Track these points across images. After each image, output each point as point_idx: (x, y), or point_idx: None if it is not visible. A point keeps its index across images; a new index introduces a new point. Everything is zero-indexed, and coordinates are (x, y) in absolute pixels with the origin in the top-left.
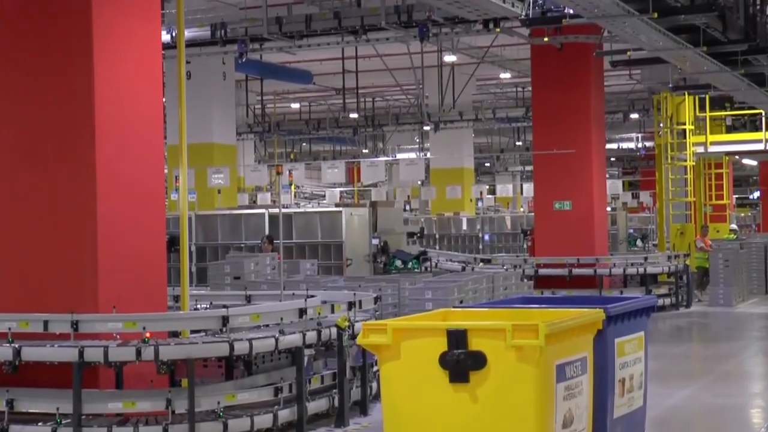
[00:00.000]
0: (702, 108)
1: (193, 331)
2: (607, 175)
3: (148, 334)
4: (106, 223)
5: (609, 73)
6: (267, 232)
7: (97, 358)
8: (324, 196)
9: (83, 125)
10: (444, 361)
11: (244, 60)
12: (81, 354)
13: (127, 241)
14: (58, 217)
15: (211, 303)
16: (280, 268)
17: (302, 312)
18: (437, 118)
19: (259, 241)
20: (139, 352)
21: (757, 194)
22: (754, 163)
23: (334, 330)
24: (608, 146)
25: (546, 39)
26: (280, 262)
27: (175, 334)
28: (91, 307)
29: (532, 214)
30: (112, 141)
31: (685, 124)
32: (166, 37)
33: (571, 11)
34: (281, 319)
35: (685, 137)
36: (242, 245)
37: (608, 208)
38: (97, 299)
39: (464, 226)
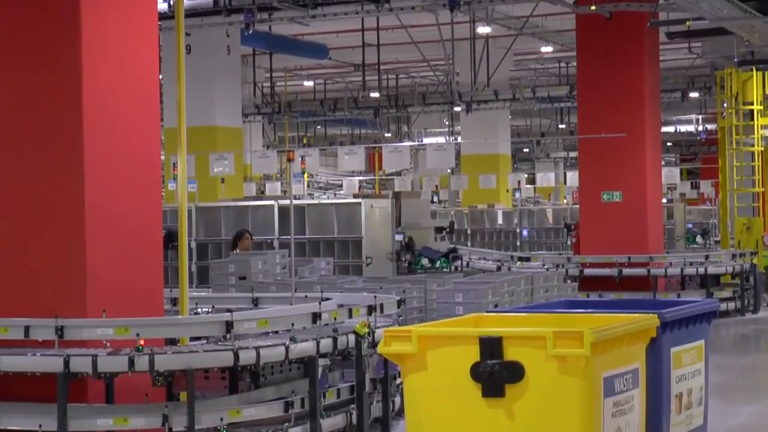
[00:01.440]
0: None
1: (193, 339)
2: (663, 163)
3: (142, 342)
4: (94, 216)
5: (665, 46)
6: (276, 226)
7: (85, 368)
8: (341, 185)
9: (68, 106)
10: (476, 372)
11: (250, 32)
12: (66, 364)
13: (118, 237)
14: (39, 209)
15: (213, 306)
16: (292, 267)
17: (316, 317)
18: (469, 98)
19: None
20: (132, 362)
21: None
22: None
23: (351, 337)
24: (664, 129)
25: (593, 7)
26: (292, 260)
27: (172, 342)
28: (77, 311)
29: (577, 206)
30: (101, 123)
31: (752, 104)
32: (162, 5)
33: None
34: (292, 324)
35: (752, 119)
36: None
37: (664, 200)
38: (85, 302)
39: (500, 220)
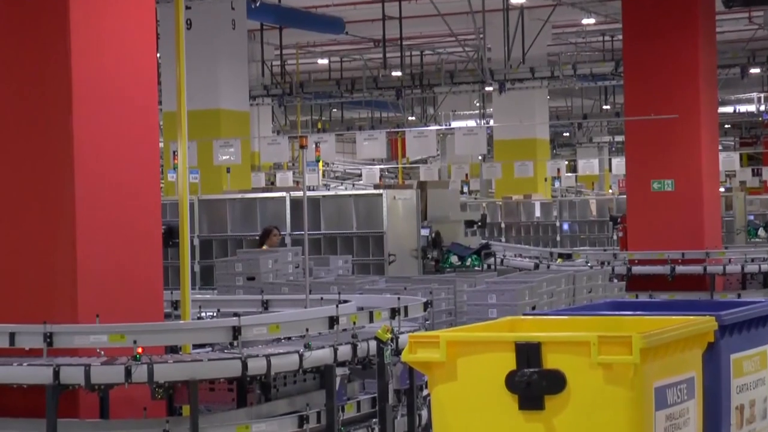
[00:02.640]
0: None
1: (197, 346)
2: (720, 147)
3: (140, 350)
4: (86, 211)
5: (722, 16)
6: (288, 220)
7: (77, 379)
8: (360, 175)
9: (56, 89)
10: (512, 382)
11: (258, 4)
12: (56, 375)
13: (112, 233)
14: (25, 203)
15: (218, 310)
16: (306, 266)
17: (333, 321)
18: (502, 76)
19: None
20: (128, 373)
21: None
22: None
23: (373, 344)
24: (721, 110)
25: None
26: (306, 259)
27: (174, 350)
28: (68, 316)
29: (624, 196)
30: (92, 108)
31: None
32: None
33: None
34: (307, 330)
35: None
36: (257, 237)
37: (721, 189)
38: (76, 306)
39: (537, 213)
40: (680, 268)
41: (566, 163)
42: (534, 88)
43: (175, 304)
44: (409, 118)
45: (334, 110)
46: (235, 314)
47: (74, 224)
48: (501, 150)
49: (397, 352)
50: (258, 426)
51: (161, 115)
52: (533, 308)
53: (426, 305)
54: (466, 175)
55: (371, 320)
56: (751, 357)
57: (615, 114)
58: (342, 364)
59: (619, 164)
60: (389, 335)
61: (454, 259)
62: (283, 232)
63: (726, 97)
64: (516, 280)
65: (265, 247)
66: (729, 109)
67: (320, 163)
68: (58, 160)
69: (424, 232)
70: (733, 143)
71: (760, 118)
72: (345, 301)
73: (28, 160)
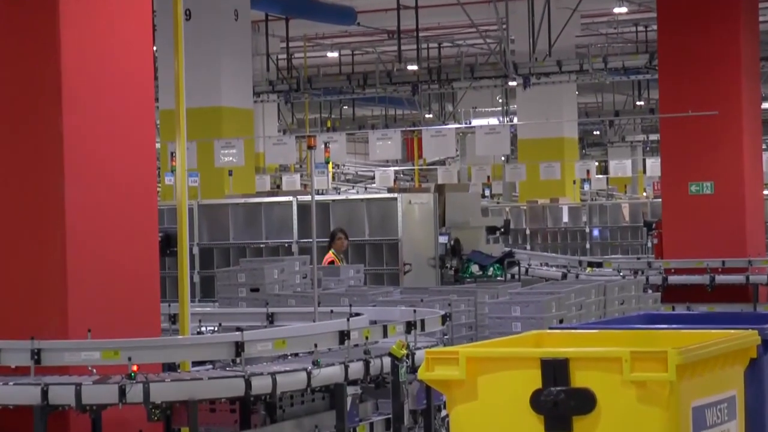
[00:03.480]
0: None
1: (196, 363)
2: (764, 146)
3: (135, 368)
4: (76, 217)
5: (766, 4)
6: (295, 227)
7: (67, 399)
8: (373, 177)
9: (44, 86)
10: (537, 402)
11: None
12: (44, 394)
13: (105, 241)
14: (11, 208)
15: (220, 324)
16: (314, 276)
17: (344, 336)
18: (527, 70)
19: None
20: (123, 392)
21: None
22: None
23: (387, 361)
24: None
25: None
26: (314, 268)
27: (171, 368)
28: (58, 332)
29: (659, 200)
30: (84, 105)
31: None
32: None
33: None
34: (315, 345)
35: None
36: (262, 245)
37: (765, 192)
38: (67, 320)
39: (565, 218)
40: (720, 278)
41: (596, 164)
42: (561, 83)
43: (173, 318)
44: (426, 115)
45: (345, 107)
46: (238, 329)
47: (64, 231)
48: (525, 150)
49: (413, 369)
50: None
51: (158, 113)
52: (560, 321)
53: (444, 318)
54: (488, 177)
55: (385, 335)
56: None
57: (649, 111)
58: (353, 382)
59: (653, 165)
60: (404, 351)
61: (474, 268)
62: (288, 240)
63: None
64: (542, 291)
65: (331, 252)
66: None
67: (330, 165)
68: (47, 162)
69: (443, 239)
70: None
71: None
72: (357, 314)
73: (14, 163)
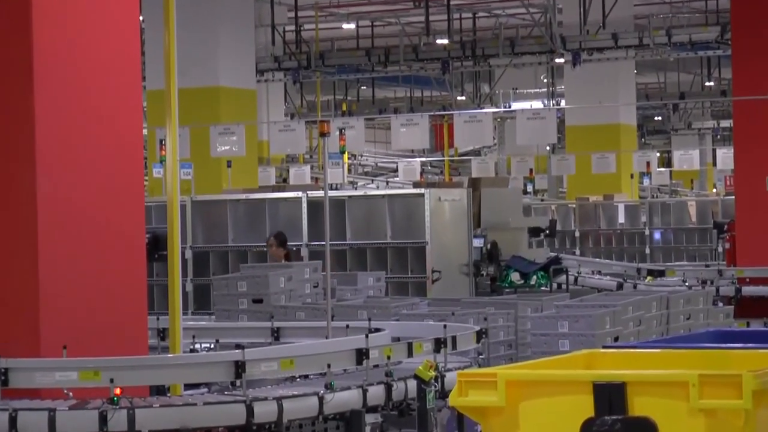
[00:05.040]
0: None
1: (190, 386)
2: None
3: (117, 391)
4: (50, 215)
5: None
6: (305, 227)
7: (38, 428)
8: (396, 170)
9: (13, 62)
10: None
11: None
12: (12, 422)
13: (83, 244)
14: None
15: (217, 341)
16: (328, 286)
17: (362, 355)
18: (577, 45)
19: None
20: (104, 419)
21: None
22: None
23: (412, 384)
24: None
25: None
26: (327, 276)
27: (160, 391)
28: (28, 349)
29: (732, 197)
30: (59, 86)
31: None
32: None
33: None
34: (328, 366)
35: None
36: (266, 249)
37: None
38: (38, 336)
39: (621, 218)
40: None
41: (658, 155)
42: (617, 60)
43: (163, 334)
44: (459, 98)
45: (363, 88)
46: (238, 346)
47: (35, 232)
48: (575, 138)
49: (443, 394)
50: None
51: (145, 94)
52: (616, 339)
53: (479, 335)
54: (531, 170)
55: (410, 354)
56: None
57: (720, 93)
58: (373, 409)
59: (725, 157)
60: (433, 373)
61: (515, 276)
62: (297, 243)
63: None
64: (594, 303)
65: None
66: None
67: (345, 155)
68: (15, 152)
69: (477, 242)
70: None
71: None
72: (377, 330)
73: None
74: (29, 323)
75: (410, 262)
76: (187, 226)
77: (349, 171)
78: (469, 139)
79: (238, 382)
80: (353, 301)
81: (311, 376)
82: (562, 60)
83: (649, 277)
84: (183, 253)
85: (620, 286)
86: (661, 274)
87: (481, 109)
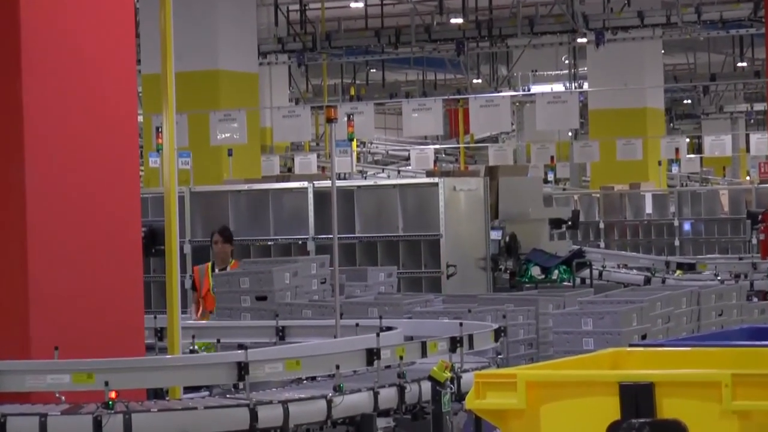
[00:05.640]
0: None
1: (189, 389)
2: None
3: (113, 395)
4: (39, 207)
5: None
6: (311, 220)
7: None
8: (408, 158)
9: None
10: None
11: None
12: (2, 427)
13: (75, 239)
14: None
15: (218, 341)
16: (336, 282)
17: (373, 355)
18: (600, 24)
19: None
20: (98, 425)
21: None
22: None
23: (426, 386)
24: None
25: None
26: (335, 271)
27: (158, 395)
28: (18, 350)
29: (767, 185)
30: (47, 71)
31: None
32: None
33: None
34: (337, 367)
35: None
36: (270, 243)
37: None
38: (28, 336)
39: (648, 208)
40: None
41: (687, 140)
42: (643, 40)
43: (161, 333)
44: (474, 81)
45: (373, 71)
46: (241, 346)
47: (24, 227)
48: (599, 123)
49: (460, 397)
50: None
51: (140, 79)
52: (643, 337)
53: (498, 333)
54: (552, 157)
55: (424, 354)
56: None
57: (754, 74)
58: (385, 413)
59: (759, 142)
60: (448, 374)
61: (535, 270)
62: (302, 236)
63: None
64: (619, 299)
65: (208, 265)
66: None
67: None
68: (2, 143)
69: (495, 234)
70: None
71: None
72: (388, 329)
73: None
74: (18, 323)
75: (424, 257)
76: (185, 218)
77: (358, 159)
78: (485, 124)
79: (241, 385)
80: (363, 298)
81: (319, 378)
82: (584, 40)
83: (678, 271)
84: (181, 248)
85: (648, 281)
86: (691, 267)
87: (498, 92)
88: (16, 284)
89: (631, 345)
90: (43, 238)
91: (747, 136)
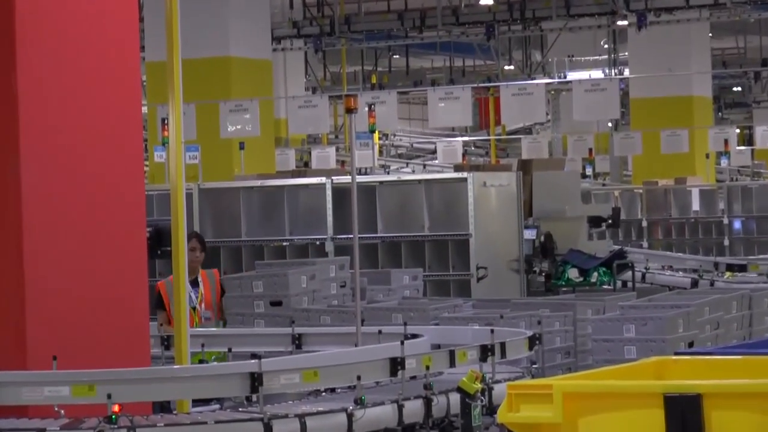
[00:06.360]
0: None
1: (199, 401)
2: None
3: (116, 408)
4: (36, 207)
5: None
6: (330, 219)
7: None
8: (434, 152)
9: None
10: None
11: None
12: None
13: (74, 240)
14: None
15: (229, 349)
16: (357, 285)
17: (397, 365)
18: (643, 5)
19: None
20: None
21: None
22: None
23: (455, 398)
24: None
25: None
26: (356, 274)
27: (165, 408)
28: (14, 361)
29: None
30: (44, 57)
31: None
32: None
33: None
34: (358, 378)
35: None
36: (285, 243)
37: None
38: (24, 345)
39: (695, 205)
40: None
41: (737, 131)
42: (689, 22)
43: (167, 342)
44: (506, 67)
45: (396, 57)
46: (254, 356)
47: (20, 227)
48: (641, 113)
49: (491, 410)
50: None
51: (144, 67)
52: (690, 345)
53: (532, 341)
54: (590, 150)
55: (452, 364)
56: None
57: None
58: (410, 427)
59: None
60: (479, 385)
61: (572, 273)
62: (320, 236)
63: None
64: (665, 303)
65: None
66: None
67: (376, 135)
68: None
69: (529, 234)
70: None
71: None
72: (414, 336)
73: None
74: (14, 330)
75: (451, 258)
76: (194, 217)
77: (380, 153)
78: (518, 114)
79: (254, 398)
80: (386, 303)
81: (338, 390)
82: (625, 22)
83: (728, 273)
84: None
85: (695, 284)
86: (742, 269)
87: (531, 80)
88: (11, 289)
89: (676, 353)
90: (40, 240)
91: None
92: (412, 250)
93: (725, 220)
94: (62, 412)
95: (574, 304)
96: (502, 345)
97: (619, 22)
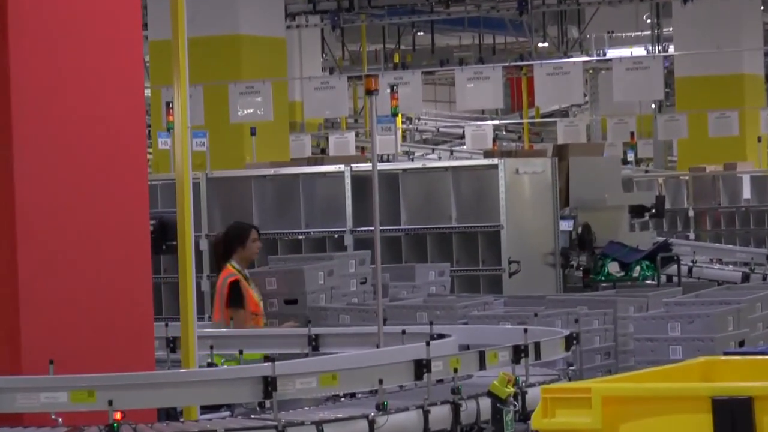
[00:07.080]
0: None
1: (207, 408)
2: None
3: (118, 416)
4: (30, 198)
5: None
6: (349, 210)
7: None
8: (462, 136)
9: None
10: None
11: None
12: None
13: (72, 234)
14: None
15: (240, 352)
16: (378, 282)
17: (422, 368)
18: None
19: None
20: None
21: None
22: None
23: (485, 403)
24: None
25: None
26: (378, 270)
27: (171, 415)
28: (7, 364)
29: None
30: (39, 37)
31: None
32: None
33: None
34: (380, 382)
35: None
36: (301, 237)
37: None
38: (19, 349)
39: (746, 193)
40: None
41: None
42: None
43: (173, 343)
44: (540, 44)
45: (420, 34)
46: (267, 358)
47: (13, 220)
48: (687, 94)
49: (525, 415)
50: None
51: (147, 46)
52: (741, 344)
53: (569, 341)
54: (632, 134)
55: (482, 366)
56: None
57: None
58: None
59: None
60: (511, 389)
61: (613, 267)
62: (339, 229)
63: None
64: (713, 300)
65: (231, 266)
66: None
67: (399, 119)
68: None
69: (566, 225)
70: None
71: None
72: (440, 336)
73: None
74: (7, 332)
75: (481, 252)
76: (201, 209)
77: (403, 138)
78: (553, 96)
79: (267, 403)
80: (410, 301)
81: (359, 395)
82: None
83: None
84: (197, 244)
85: (746, 278)
86: None
87: (568, 58)
88: (4, 288)
89: (726, 353)
90: (34, 234)
91: None
92: (439, 243)
93: None
94: (60, 420)
95: (614, 301)
96: (537, 345)
97: None
